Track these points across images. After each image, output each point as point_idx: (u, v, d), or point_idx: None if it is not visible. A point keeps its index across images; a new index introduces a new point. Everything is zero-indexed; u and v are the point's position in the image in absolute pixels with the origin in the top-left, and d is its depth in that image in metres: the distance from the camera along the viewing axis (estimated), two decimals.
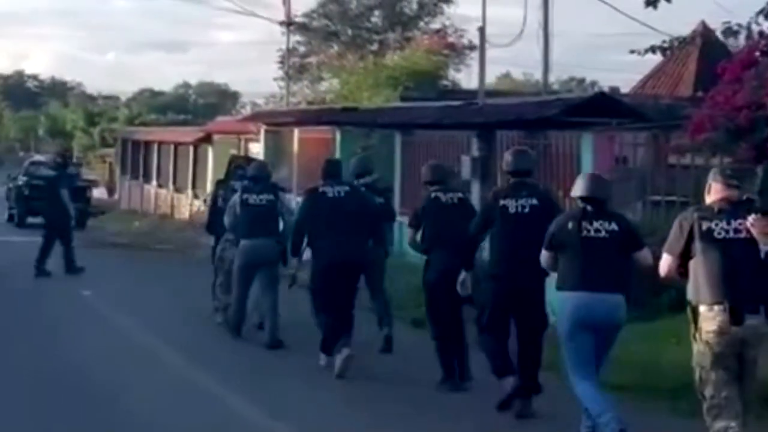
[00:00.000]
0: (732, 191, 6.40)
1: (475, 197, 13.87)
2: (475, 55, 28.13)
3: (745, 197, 6.51)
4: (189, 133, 33.19)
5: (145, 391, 8.95)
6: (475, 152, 14.19)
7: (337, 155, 19.31)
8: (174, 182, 34.46)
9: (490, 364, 8.20)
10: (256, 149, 25.54)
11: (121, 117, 50.82)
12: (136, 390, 8.97)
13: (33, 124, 62.18)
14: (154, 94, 78.97)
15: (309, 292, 10.08)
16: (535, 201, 8.02)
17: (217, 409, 8.35)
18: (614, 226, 7.31)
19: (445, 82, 26.06)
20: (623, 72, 72.76)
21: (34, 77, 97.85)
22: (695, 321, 6.30)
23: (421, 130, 16.29)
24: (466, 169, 14.39)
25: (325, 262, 9.47)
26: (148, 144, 37.89)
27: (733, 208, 6.36)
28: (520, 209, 7.98)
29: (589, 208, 7.35)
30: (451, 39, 30.30)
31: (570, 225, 7.33)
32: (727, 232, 6.32)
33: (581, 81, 61.32)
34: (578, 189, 7.44)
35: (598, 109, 11.56)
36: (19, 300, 14.08)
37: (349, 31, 38.85)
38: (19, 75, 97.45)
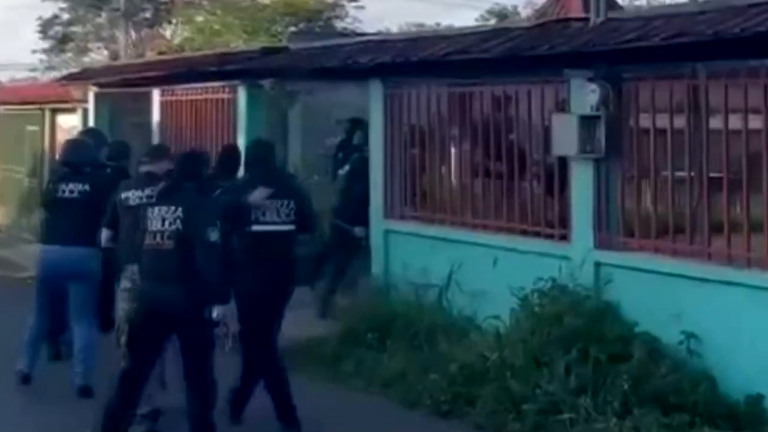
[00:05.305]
0: (148, 166, 7.72)
1: (586, 194, 8.13)
2: None
3: (165, 171, 7.49)
4: None
5: None
6: (591, 106, 8.29)
7: (242, 123, 13.26)
8: None
9: None
10: (71, 123, 18.66)
11: None
12: None
13: None
14: None
15: None
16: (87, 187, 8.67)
17: None
18: (87, 187, 8.55)
19: (344, 25, 20.03)
20: None
21: None
22: (118, 279, 7.41)
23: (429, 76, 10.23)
24: (568, 138, 8.44)
25: None
26: None
27: (150, 179, 7.45)
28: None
29: (66, 170, 8.74)
30: None
31: (49, 186, 8.83)
32: (141, 198, 7.40)
33: None
34: (59, 155, 9.27)
35: None
36: None
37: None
38: None
